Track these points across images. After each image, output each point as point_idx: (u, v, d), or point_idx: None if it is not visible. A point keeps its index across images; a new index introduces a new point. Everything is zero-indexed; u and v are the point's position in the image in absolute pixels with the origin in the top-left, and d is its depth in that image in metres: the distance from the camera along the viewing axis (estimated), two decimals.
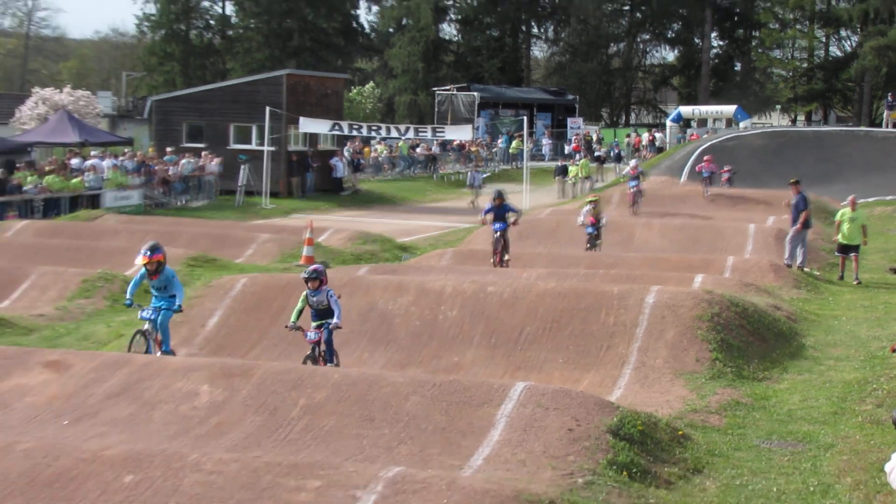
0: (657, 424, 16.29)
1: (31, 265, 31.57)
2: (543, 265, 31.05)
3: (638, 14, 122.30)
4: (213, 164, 58.72)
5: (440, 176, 73.37)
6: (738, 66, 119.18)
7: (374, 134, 67.53)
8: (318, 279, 19.21)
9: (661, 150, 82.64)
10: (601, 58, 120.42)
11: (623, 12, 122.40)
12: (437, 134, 70.47)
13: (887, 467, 9.09)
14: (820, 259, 35.60)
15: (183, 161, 58.33)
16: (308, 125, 59.28)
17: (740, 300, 24.07)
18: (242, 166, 58.71)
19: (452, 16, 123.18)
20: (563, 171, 64.21)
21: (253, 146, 59.33)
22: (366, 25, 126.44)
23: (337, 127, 61.25)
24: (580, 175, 63.48)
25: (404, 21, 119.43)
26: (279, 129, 59.16)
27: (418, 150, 75.54)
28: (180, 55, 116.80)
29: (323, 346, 19.41)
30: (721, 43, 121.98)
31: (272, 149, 58.43)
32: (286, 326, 20.09)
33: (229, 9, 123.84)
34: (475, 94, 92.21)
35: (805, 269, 32.82)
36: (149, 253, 19.09)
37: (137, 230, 40.80)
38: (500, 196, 30.83)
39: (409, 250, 39.54)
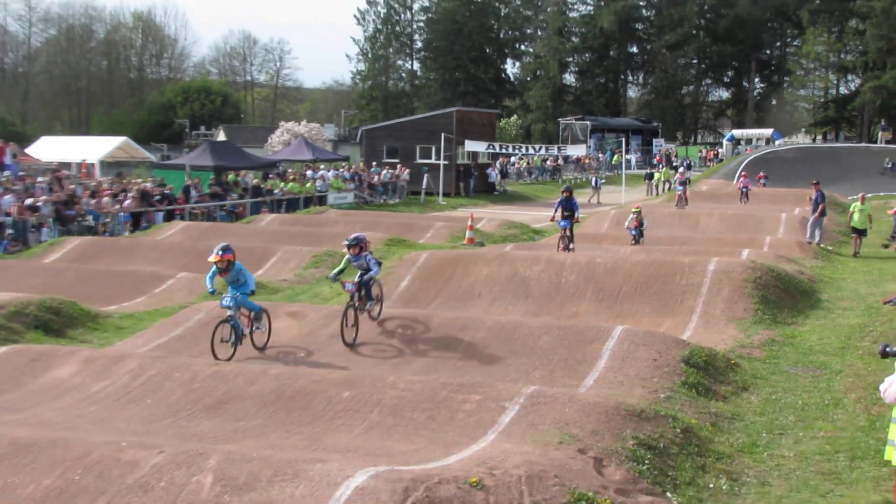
0: (716, 356, 16.22)
1: (278, 245, 32.01)
2: (635, 243, 30.97)
3: (702, 65, 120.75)
4: (404, 173, 59.08)
5: (563, 180, 73.04)
6: (773, 101, 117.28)
7: (516, 152, 68.61)
8: (357, 246, 16.95)
9: (720, 160, 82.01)
10: (676, 96, 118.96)
11: (692, 64, 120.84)
12: (561, 151, 72.01)
13: (881, 387, 8.97)
14: (832, 238, 35.13)
15: (383, 171, 58.83)
16: (471, 146, 59.96)
17: (775, 267, 23.82)
18: (425, 175, 59.12)
19: (572, 68, 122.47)
20: (650, 176, 63.88)
21: (432, 160, 59.56)
22: (511, 76, 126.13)
23: (491, 147, 62.25)
24: (661, 178, 63.05)
25: (538, 72, 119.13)
26: (451, 149, 59.41)
27: (547, 162, 75.39)
28: (381, 98, 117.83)
29: (362, 291, 17.04)
30: (762, 84, 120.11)
31: (445, 162, 58.74)
32: (328, 278, 18.63)
33: (416, 65, 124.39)
34: (587, 122, 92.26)
35: (821, 246, 32.49)
36: (220, 252, 16.06)
37: (351, 220, 41.20)
38: (568, 190, 28.24)
39: (541, 233, 39.39)
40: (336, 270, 17.36)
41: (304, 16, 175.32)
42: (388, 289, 23.63)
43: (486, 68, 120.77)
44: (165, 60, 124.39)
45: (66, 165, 52.49)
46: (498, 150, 64.16)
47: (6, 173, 42.21)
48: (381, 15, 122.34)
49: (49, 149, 61.40)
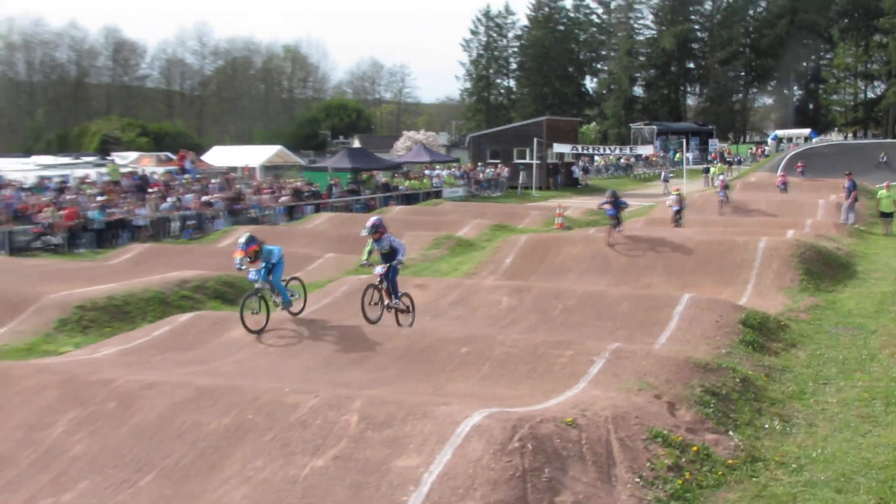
0: (768, 318, 15.89)
1: (404, 230, 32.21)
2: (697, 226, 30.45)
3: (749, 77, 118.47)
4: (504, 171, 58.96)
5: (634, 175, 72.21)
6: (811, 105, 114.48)
7: (595, 152, 68.61)
8: (376, 231, 14.52)
9: (766, 156, 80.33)
10: (728, 103, 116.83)
11: (740, 76, 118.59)
12: (632, 151, 71.55)
13: None
14: (864, 220, 34.26)
15: (487, 170, 58.77)
16: (558, 148, 59.97)
17: (816, 244, 23.28)
18: (521, 172, 58.97)
19: (640, 82, 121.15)
20: (707, 171, 62.65)
21: (527, 160, 59.39)
22: (589, 90, 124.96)
23: (574, 148, 62.24)
24: (716, 172, 61.86)
25: (612, 86, 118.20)
26: (542, 151, 59.25)
27: (621, 160, 74.55)
28: (484, 110, 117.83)
29: (386, 283, 14.79)
30: (800, 92, 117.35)
31: (538, 161, 58.59)
32: (360, 264, 15.60)
33: (512, 83, 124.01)
34: (654, 127, 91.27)
35: (855, 226, 31.72)
36: (243, 247, 13.88)
37: (461, 210, 41.37)
38: (613, 195, 24.63)
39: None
40: (365, 253, 14.89)
41: (420, 43, 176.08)
42: (494, 265, 23.71)
43: (569, 84, 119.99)
44: (310, 83, 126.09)
45: (234, 169, 53.48)
46: (580, 150, 64.51)
47: (187, 176, 43.20)
48: (483, 42, 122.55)
49: (220, 156, 62.74)
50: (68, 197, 34.77)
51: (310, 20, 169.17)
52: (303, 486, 8.73)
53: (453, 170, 59.76)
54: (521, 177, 59.07)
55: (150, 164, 54.03)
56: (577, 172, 64.70)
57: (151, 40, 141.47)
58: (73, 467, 9.67)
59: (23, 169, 48.27)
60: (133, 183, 39.78)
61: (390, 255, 14.71)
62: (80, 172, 45.06)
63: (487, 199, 53.78)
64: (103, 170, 46.12)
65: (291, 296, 14.78)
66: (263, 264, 14.15)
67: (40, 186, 37.30)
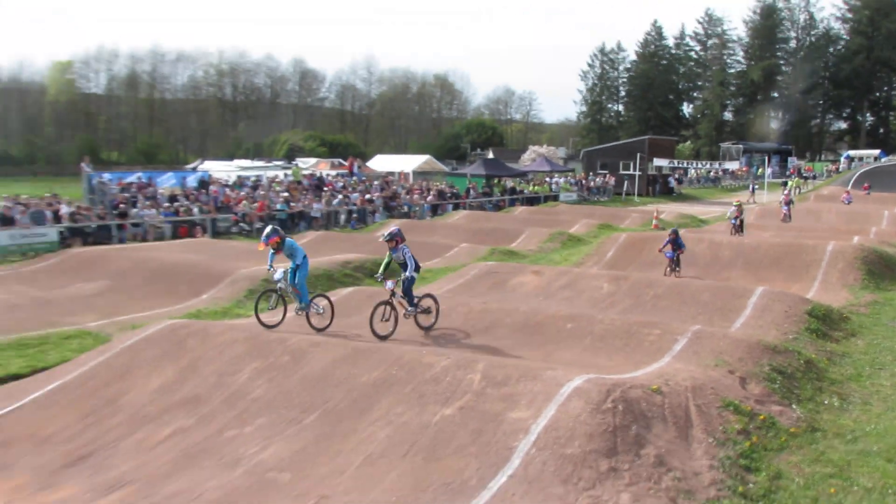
0: (832, 310, 15.20)
1: (525, 227, 32.16)
2: (773, 231, 29.34)
3: (826, 104, 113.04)
4: (611, 180, 58.00)
5: (721, 186, 69.91)
6: (881, 130, 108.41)
7: (689, 166, 66.70)
8: (392, 240, 12.73)
9: (839, 172, 76.66)
10: (806, 127, 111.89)
11: (818, 104, 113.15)
12: (721, 166, 69.34)
13: None
14: None
15: (597, 179, 57.94)
16: (658, 162, 59.18)
17: (879, 249, 22.08)
18: (625, 181, 57.90)
19: (729, 108, 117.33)
20: (785, 184, 60.05)
21: (630, 171, 58.23)
22: (686, 114, 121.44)
23: (671, 162, 60.88)
24: (793, 185, 59.26)
25: (705, 111, 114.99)
26: (643, 164, 58.12)
27: (711, 173, 72.16)
28: (597, 129, 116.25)
29: (399, 296, 12.75)
30: (872, 118, 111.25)
31: (639, 173, 57.44)
32: (374, 277, 13.50)
33: (620, 107, 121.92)
34: (741, 146, 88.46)
35: None
36: (265, 240, 12.60)
37: (575, 211, 40.94)
38: (674, 233, 20.63)
39: (705, 222, 37.91)
40: (382, 266, 12.89)
41: (546, 72, 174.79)
42: (598, 257, 23.42)
43: (669, 109, 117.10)
44: (455, 105, 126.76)
45: (391, 173, 54.29)
46: (676, 164, 62.97)
47: (354, 178, 44.08)
48: (598, 74, 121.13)
49: (381, 163, 63.88)
50: (260, 193, 35.98)
51: (456, 53, 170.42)
52: (434, 430, 8.89)
53: (568, 178, 59.14)
54: (626, 185, 58.03)
55: (325, 168, 55.52)
56: (673, 183, 63.14)
57: (330, 69, 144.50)
58: (254, 406, 10.09)
59: (226, 170, 50.29)
60: (311, 183, 40.87)
61: (404, 266, 12.70)
62: (270, 174, 46.51)
63: (596, 202, 53.02)
64: (289, 172, 47.52)
65: (318, 312, 12.94)
66: (291, 266, 12.73)
67: (239, 184, 38.66)
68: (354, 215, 36.23)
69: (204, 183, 36.32)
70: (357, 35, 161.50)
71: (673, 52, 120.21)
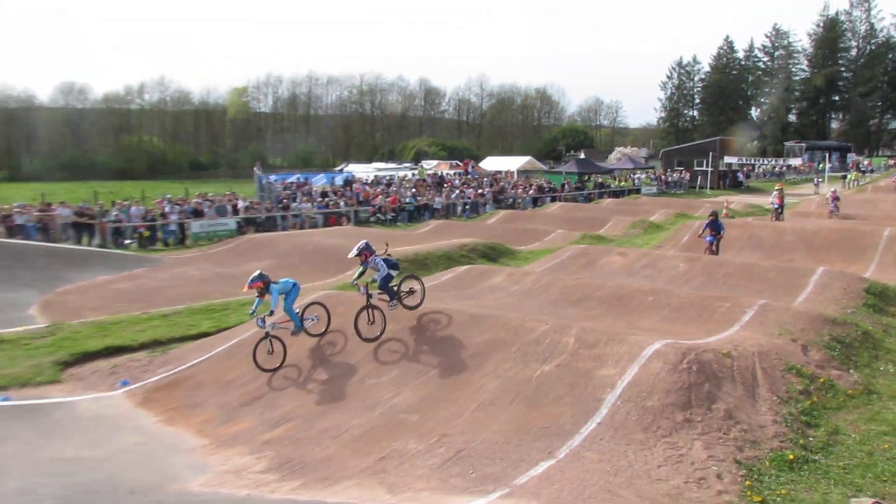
0: (887, 288, 14.14)
1: (612, 216, 31.41)
2: (834, 218, 27.58)
3: (885, 106, 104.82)
4: (686, 176, 55.84)
5: (785, 180, 66.05)
6: None
7: (756, 162, 63.36)
8: (360, 255, 10.74)
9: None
10: (865, 127, 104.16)
11: (877, 106, 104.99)
12: (785, 162, 65.82)
13: None
14: None
15: (674, 174, 55.93)
16: (728, 159, 56.95)
17: None
18: (699, 176, 55.62)
19: (793, 111, 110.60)
20: (844, 177, 56.15)
21: (703, 168, 55.83)
22: (754, 117, 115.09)
23: (740, 160, 58.19)
24: (852, 178, 55.39)
25: (771, 115, 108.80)
26: (715, 161, 55.72)
27: (775, 168, 68.21)
28: (674, 132, 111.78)
29: (378, 294, 10.86)
30: None
31: (711, 169, 55.05)
32: (351, 283, 11.42)
33: (695, 113, 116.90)
34: (803, 144, 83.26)
35: None
36: (249, 283, 10.51)
37: (654, 202, 39.57)
38: (713, 214, 19.27)
39: (769, 211, 35.95)
40: (356, 274, 11.06)
41: (629, 84, 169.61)
42: (675, 241, 22.60)
43: (739, 113, 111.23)
44: (552, 114, 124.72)
45: (499, 172, 54.08)
46: (745, 161, 59.93)
47: (468, 176, 44.18)
48: (675, 84, 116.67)
49: (490, 163, 63.60)
50: (393, 189, 36.58)
51: (553, 68, 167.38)
52: (535, 383, 8.87)
53: (649, 174, 57.34)
54: (699, 180, 55.75)
55: (445, 168, 55.79)
56: (741, 177, 60.25)
57: (449, 86, 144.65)
58: (389, 360, 10.31)
59: (366, 171, 51.36)
60: (434, 180, 41.25)
61: (378, 271, 10.82)
62: (401, 174, 47.26)
63: (673, 194, 51.13)
64: (415, 172, 48.16)
65: (310, 320, 11.09)
66: (271, 310, 10.57)
67: (376, 182, 39.41)
68: (468, 206, 36.33)
69: (348, 182, 37.24)
70: (471, 56, 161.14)
71: (743, 63, 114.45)
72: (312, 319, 11.15)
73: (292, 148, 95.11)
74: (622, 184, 50.54)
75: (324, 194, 33.44)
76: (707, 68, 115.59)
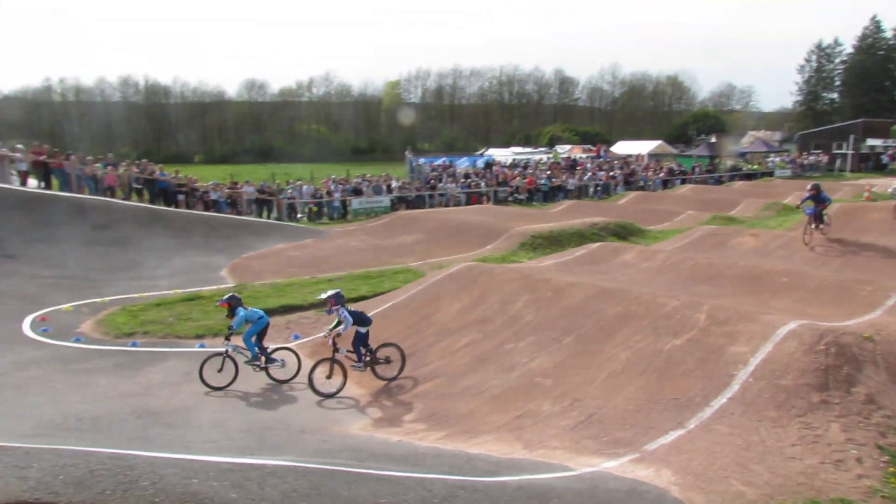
0: None
1: (742, 198, 29.20)
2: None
3: None
4: (824, 159, 50.73)
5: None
6: None
7: None
8: (326, 303, 9.16)
9: None
10: None
11: None
12: None
13: None
14: None
15: (810, 157, 51.05)
16: (871, 142, 51.28)
17: None
18: (838, 159, 50.45)
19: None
20: None
21: (843, 151, 50.55)
22: None
23: (885, 142, 52.45)
24: None
25: None
26: (856, 144, 50.39)
27: None
28: (811, 115, 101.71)
29: (346, 350, 9.25)
30: None
31: (852, 152, 49.82)
32: (323, 335, 10.42)
33: (835, 95, 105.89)
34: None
35: None
36: (218, 302, 9.52)
37: (789, 184, 36.04)
38: (815, 188, 15.92)
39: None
40: (331, 326, 9.30)
41: (762, 68, 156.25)
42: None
43: (884, 94, 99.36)
44: (683, 100, 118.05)
45: (630, 155, 51.95)
46: (889, 143, 53.59)
47: (601, 160, 42.83)
48: (814, 67, 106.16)
49: (622, 147, 61.33)
50: (529, 171, 36.18)
51: (685, 55, 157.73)
52: (665, 356, 8.47)
53: (783, 157, 52.82)
54: (838, 162, 50.67)
55: (578, 152, 54.32)
56: (886, 159, 54.09)
57: (583, 76, 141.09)
58: (526, 328, 10.24)
59: (504, 155, 51.08)
60: (567, 163, 40.34)
61: (340, 323, 9.20)
62: (537, 157, 46.63)
63: (808, 178, 46.90)
64: (550, 155, 47.31)
65: (277, 363, 9.63)
66: (242, 335, 9.56)
67: (514, 165, 39.12)
68: (600, 188, 35.24)
69: (489, 164, 37.25)
70: (605, 46, 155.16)
71: (891, 42, 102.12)
72: (279, 363, 9.65)
73: (438, 134, 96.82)
74: (755, 167, 46.97)
75: (466, 176, 33.67)
76: (849, 50, 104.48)
